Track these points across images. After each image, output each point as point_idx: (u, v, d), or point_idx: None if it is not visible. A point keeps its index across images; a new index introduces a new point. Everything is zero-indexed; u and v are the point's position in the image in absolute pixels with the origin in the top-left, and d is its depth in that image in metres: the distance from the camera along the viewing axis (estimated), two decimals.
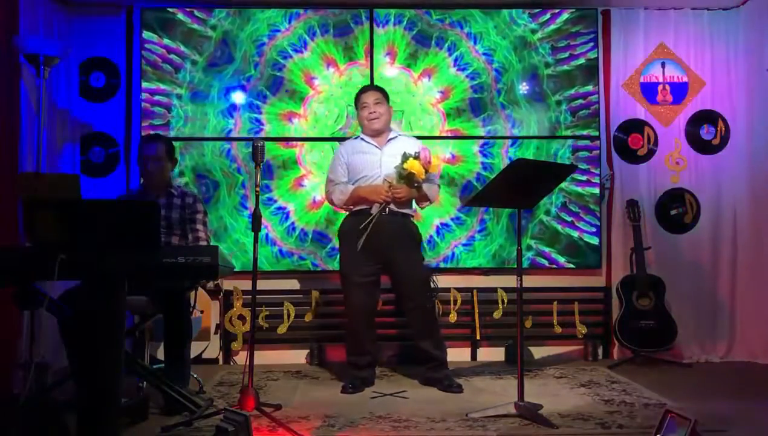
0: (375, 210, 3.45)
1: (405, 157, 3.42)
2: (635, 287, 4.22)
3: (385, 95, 3.69)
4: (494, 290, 4.39)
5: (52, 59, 3.68)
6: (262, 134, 4.36)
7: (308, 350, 4.33)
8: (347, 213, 3.65)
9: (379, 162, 3.56)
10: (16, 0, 3.68)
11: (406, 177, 3.43)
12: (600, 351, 4.39)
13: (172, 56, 4.37)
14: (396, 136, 3.68)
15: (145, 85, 4.35)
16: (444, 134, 4.46)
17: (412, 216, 3.66)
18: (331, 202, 3.70)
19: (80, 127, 4.33)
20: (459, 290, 4.37)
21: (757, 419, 2.97)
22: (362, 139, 3.67)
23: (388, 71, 4.45)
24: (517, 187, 3.00)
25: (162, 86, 4.36)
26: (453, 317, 4.34)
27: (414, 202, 3.64)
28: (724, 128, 4.52)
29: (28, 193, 2.52)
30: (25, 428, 2.13)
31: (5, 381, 3.40)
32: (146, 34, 4.36)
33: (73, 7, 4.30)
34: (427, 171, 3.45)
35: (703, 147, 4.54)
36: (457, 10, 4.45)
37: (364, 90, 3.72)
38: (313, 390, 3.58)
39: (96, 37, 4.36)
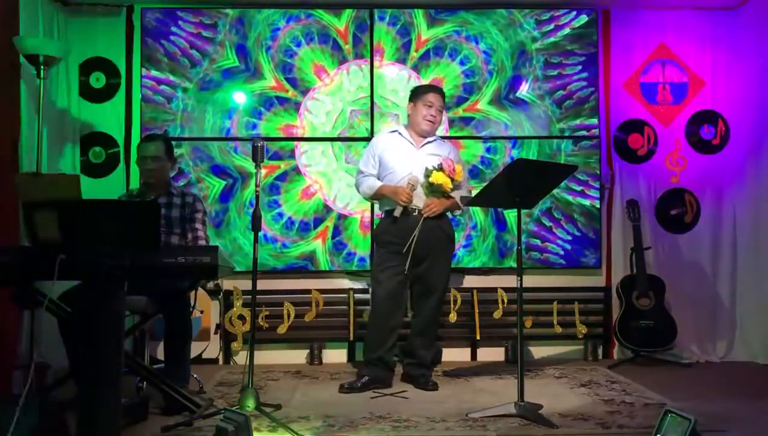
0: (398, 212, 3.46)
1: (428, 172, 3.43)
2: (635, 287, 4.22)
3: (444, 103, 3.68)
4: (494, 290, 4.39)
5: (52, 59, 3.68)
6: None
7: (308, 350, 4.33)
8: (383, 215, 3.65)
9: (413, 160, 3.53)
10: (16, 0, 3.68)
11: (435, 190, 3.44)
12: (600, 351, 4.39)
13: (163, 87, 4.35)
14: (434, 139, 3.65)
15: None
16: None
17: (449, 215, 3.65)
18: (358, 191, 3.73)
19: (80, 127, 4.33)
20: (459, 290, 4.37)
21: (757, 419, 2.97)
22: (400, 133, 3.64)
23: (389, 70, 4.44)
24: (517, 188, 3.00)
25: (156, 120, 4.35)
26: (453, 317, 4.33)
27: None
28: (724, 128, 4.52)
29: (28, 193, 2.52)
30: (25, 428, 2.13)
31: (5, 381, 3.40)
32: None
33: (73, 7, 4.30)
34: (453, 179, 3.45)
35: (703, 147, 4.54)
36: (474, 25, 4.45)
37: (434, 89, 3.65)
38: (313, 390, 3.58)
39: (96, 37, 4.36)
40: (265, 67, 4.40)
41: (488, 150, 4.46)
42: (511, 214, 4.40)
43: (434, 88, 3.68)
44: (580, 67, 4.49)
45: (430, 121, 3.56)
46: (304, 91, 4.41)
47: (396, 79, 4.44)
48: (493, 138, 4.46)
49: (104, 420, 2.25)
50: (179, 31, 4.36)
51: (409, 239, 3.40)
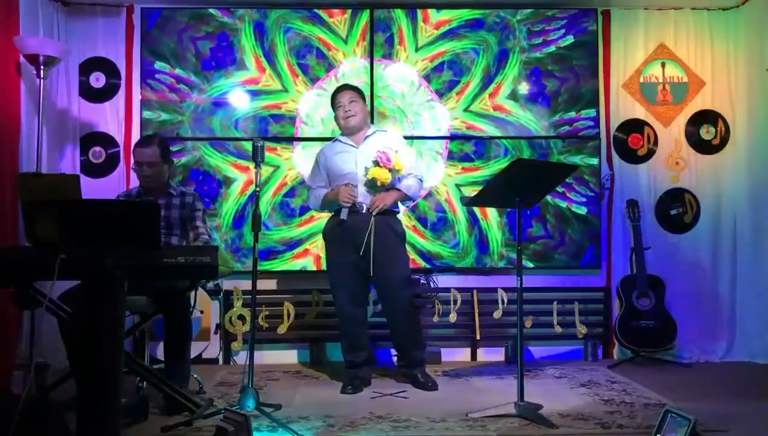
0: (344, 214, 3.47)
1: (366, 170, 3.48)
2: (635, 287, 4.22)
3: (359, 93, 3.68)
4: (494, 290, 4.39)
5: (52, 59, 3.68)
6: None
7: (308, 350, 4.33)
8: (329, 215, 3.66)
9: (354, 160, 3.56)
10: (16, 0, 3.68)
11: (375, 186, 3.48)
12: (600, 351, 4.40)
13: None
14: (373, 133, 3.66)
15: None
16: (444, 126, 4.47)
17: (396, 213, 3.66)
18: (313, 208, 3.77)
19: (80, 127, 4.33)
20: (459, 290, 4.37)
21: (757, 419, 2.97)
22: (339, 140, 3.68)
23: (390, 70, 4.44)
24: (517, 188, 3.00)
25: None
26: (453, 317, 4.33)
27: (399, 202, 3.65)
28: (724, 128, 4.53)
29: (28, 193, 2.52)
30: (25, 428, 2.13)
31: (5, 381, 3.40)
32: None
33: (73, 7, 4.30)
34: (391, 170, 3.47)
35: (703, 147, 4.54)
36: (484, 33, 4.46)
37: (338, 90, 3.69)
38: (313, 390, 3.58)
39: (96, 37, 4.36)
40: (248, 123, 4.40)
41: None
42: (494, 238, 4.42)
43: (337, 89, 3.70)
44: (563, 31, 4.46)
45: (348, 117, 3.59)
46: (290, 128, 4.41)
47: (396, 78, 4.44)
48: (490, 138, 4.46)
49: (104, 420, 2.25)
50: (165, 66, 4.35)
51: (363, 239, 3.43)
